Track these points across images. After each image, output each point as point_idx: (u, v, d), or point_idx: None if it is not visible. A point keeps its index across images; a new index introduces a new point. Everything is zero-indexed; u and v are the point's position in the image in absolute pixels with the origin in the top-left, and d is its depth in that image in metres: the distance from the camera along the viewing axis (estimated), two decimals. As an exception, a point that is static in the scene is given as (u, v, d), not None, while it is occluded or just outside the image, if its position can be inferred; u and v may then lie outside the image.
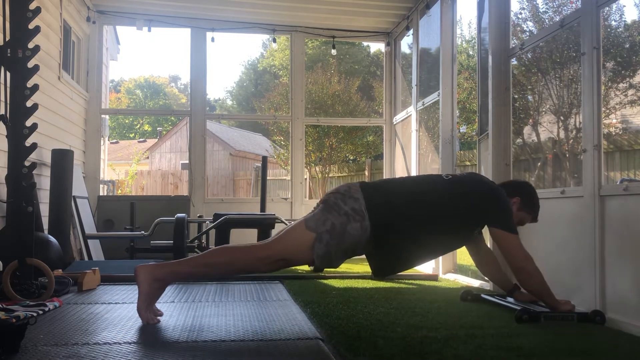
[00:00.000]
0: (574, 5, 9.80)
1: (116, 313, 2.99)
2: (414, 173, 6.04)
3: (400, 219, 2.87)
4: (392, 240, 2.87)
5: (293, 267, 5.53)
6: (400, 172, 6.80)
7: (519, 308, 2.99)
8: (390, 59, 7.21)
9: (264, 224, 5.44)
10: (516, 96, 9.36)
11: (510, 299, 3.36)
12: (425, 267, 5.51)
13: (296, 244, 2.81)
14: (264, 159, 6.26)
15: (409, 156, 6.32)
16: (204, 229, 5.59)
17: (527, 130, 10.27)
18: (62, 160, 5.23)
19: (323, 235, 2.76)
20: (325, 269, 3.02)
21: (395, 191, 2.99)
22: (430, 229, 2.93)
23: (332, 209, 2.82)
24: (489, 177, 4.14)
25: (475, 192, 3.04)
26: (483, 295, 3.56)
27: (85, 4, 6.37)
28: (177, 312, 3.09)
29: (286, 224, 5.56)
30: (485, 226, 3.12)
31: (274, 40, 7.66)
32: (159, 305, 3.21)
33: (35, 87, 3.47)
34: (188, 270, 2.84)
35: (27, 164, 3.41)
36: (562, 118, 9.66)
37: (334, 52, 7.75)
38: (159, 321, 2.77)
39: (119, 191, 13.28)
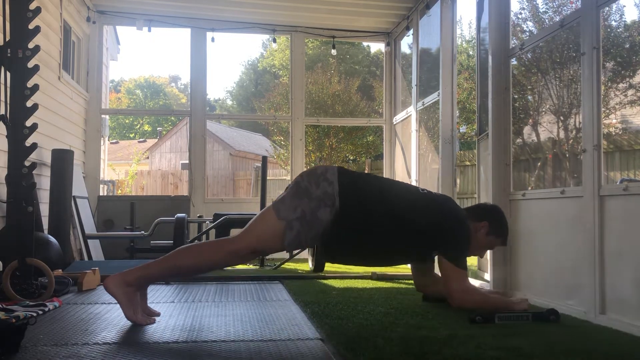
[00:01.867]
0: (574, 5, 9.80)
1: (116, 313, 2.98)
2: (414, 173, 6.04)
3: (366, 215, 2.86)
4: (349, 232, 2.85)
5: (293, 267, 5.57)
6: (400, 172, 6.80)
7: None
8: (390, 59, 7.21)
9: (264, 224, 5.43)
10: (516, 96, 9.36)
11: None
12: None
13: (267, 233, 2.79)
14: (264, 159, 6.26)
15: (409, 156, 6.32)
16: (204, 229, 5.59)
17: (527, 130, 10.27)
18: (62, 160, 5.23)
19: (293, 223, 2.74)
20: (320, 268, 3.03)
21: (371, 185, 2.99)
22: (390, 236, 2.94)
23: (302, 195, 2.80)
24: (489, 177, 4.15)
25: (440, 217, 3.02)
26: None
27: (85, 4, 6.37)
28: (176, 312, 3.09)
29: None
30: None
31: (274, 40, 7.66)
32: (158, 305, 3.22)
33: (35, 87, 3.47)
34: (158, 272, 2.80)
35: (27, 164, 3.42)
36: (562, 118, 9.66)
37: (334, 52, 7.75)
38: (154, 321, 2.77)
39: (119, 191, 13.29)
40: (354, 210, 2.84)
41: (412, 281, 4.65)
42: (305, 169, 3.08)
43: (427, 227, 2.99)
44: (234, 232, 5.45)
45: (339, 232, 2.83)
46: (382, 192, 2.99)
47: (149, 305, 3.00)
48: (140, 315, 2.73)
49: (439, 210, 3.06)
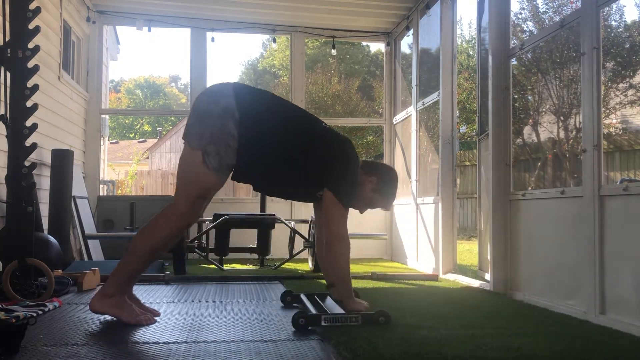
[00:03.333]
0: (574, 5, 9.80)
1: (116, 313, 2.98)
2: (414, 173, 6.04)
3: (261, 125, 2.77)
4: (251, 147, 2.76)
5: (293, 267, 5.57)
6: (400, 172, 6.80)
7: (314, 312, 2.81)
8: (390, 59, 7.21)
9: (263, 224, 5.44)
10: (516, 96, 9.36)
11: (329, 301, 3.10)
12: (426, 267, 5.52)
13: (194, 172, 2.73)
14: (264, 159, 6.24)
15: (409, 156, 6.33)
16: (203, 229, 5.59)
17: (527, 130, 10.27)
18: (62, 160, 5.23)
19: (208, 147, 2.69)
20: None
21: (267, 99, 2.90)
22: (282, 154, 2.83)
23: (205, 117, 2.74)
24: (490, 178, 4.15)
25: (332, 150, 2.91)
26: (302, 295, 3.29)
27: (85, 4, 6.37)
28: (176, 312, 3.09)
29: (286, 224, 5.58)
30: None
31: (274, 40, 7.66)
32: (158, 305, 3.22)
33: (35, 87, 3.47)
34: (130, 269, 2.77)
35: (27, 164, 3.42)
36: (562, 118, 9.66)
37: (334, 52, 7.75)
38: (155, 321, 2.77)
39: (119, 191, 13.28)
40: (252, 123, 2.75)
41: (412, 281, 4.66)
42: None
43: (318, 157, 2.87)
44: (234, 232, 5.47)
45: (244, 147, 2.74)
46: (275, 105, 2.91)
47: (147, 305, 3.00)
48: (138, 316, 2.72)
49: (333, 146, 2.93)
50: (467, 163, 11.85)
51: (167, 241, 2.82)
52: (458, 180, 7.28)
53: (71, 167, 5.31)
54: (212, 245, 5.50)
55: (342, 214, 2.90)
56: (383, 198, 3.09)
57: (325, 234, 2.93)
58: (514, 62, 4.44)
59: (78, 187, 5.83)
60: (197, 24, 6.76)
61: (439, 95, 5.36)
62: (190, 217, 2.81)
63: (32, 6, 3.50)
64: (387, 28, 7.05)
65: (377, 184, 3.04)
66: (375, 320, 2.73)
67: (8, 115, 3.42)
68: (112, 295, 2.72)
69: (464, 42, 20.89)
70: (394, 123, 7.02)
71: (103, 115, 7.07)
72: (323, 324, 2.67)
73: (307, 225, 5.60)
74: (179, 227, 2.80)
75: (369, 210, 3.16)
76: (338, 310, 2.85)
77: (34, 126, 3.46)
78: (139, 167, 18.58)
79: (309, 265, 5.53)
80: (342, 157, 2.94)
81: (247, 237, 5.88)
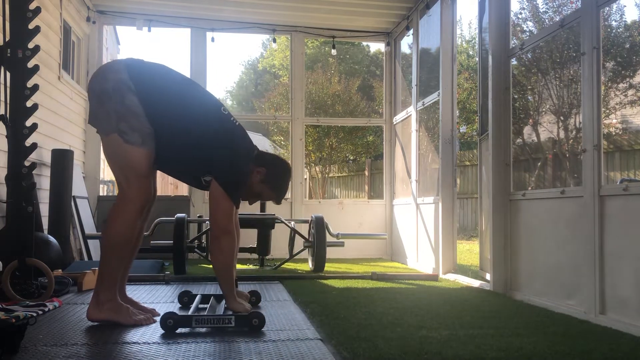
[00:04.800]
0: (574, 5, 9.79)
1: (116, 313, 2.98)
2: (414, 173, 6.04)
3: (162, 103, 2.73)
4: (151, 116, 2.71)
5: (293, 267, 5.57)
6: (400, 172, 6.80)
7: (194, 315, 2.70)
8: (390, 59, 7.21)
9: (263, 224, 5.44)
10: (516, 96, 9.36)
11: (220, 305, 3.04)
12: (426, 267, 5.52)
13: (121, 156, 2.70)
14: (264, 159, 6.24)
15: (409, 156, 6.32)
16: (203, 229, 5.59)
17: (527, 130, 10.27)
18: (62, 160, 5.23)
19: (120, 126, 2.66)
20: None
21: (164, 76, 2.83)
22: (176, 129, 2.76)
23: (102, 98, 2.69)
24: (489, 177, 4.15)
25: (223, 141, 2.81)
26: (198, 296, 3.25)
27: (85, 4, 6.37)
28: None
29: (286, 224, 5.58)
30: None
31: (274, 40, 7.66)
32: (158, 305, 3.22)
33: (35, 87, 3.47)
34: (110, 272, 2.73)
35: (27, 164, 3.42)
36: (562, 118, 9.66)
37: (334, 52, 7.74)
38: (155, 321, 2.76)
39: (119, 191, 13.26)
40: (150, 90, 2.71)
41: (412, 281, 4.66)
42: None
43: (207, 139, 2.79)
44: (234, 232, 5.46)
45: (150, 114, 2.69)
46: (171, 74, 2.86)
47: (147, 305, 3.01)
48: (136, 316, 2.72)
49: (224, 135, 2.84)
50: (467, 163, 11.85)
51: (132, 230, 2.77)
52: (458, 180, 7.29)
53: (71, 167, 5.31)
54: (212, 245, 5.50)
55: (229, 207, 2.80)
56: (272, 191, 3.01)
57: (210, 227, 2.84)
58: (514, 62, 4.44)
59: (78, 187, 5.83)
60: (197, 24, 6.75)
61: (439, 95, 5.36)
62: (142, 198, 2.75)
63: (32, 6, 3.50)
64: (387, 28, 7.05)
65: (266, 176, 2.94)
66: (249, 322, 2.61)
67: (8, 115, 3.42)
68: (106, 301, 2.70)
69: (464, 42, 20.88)
70: (394, 123, 7.02)
71: (103, 115, 7.04)
72: (194, 325, 2.59)
73: (307, 225, 5.60)
74: (135, 211, 2.74)
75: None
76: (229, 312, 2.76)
77: (34, 126, 3.46)
78: (139, 167, 18.51)
79: (309, 265, 5.53)
80: (230, 145, 2.83)
81: (247, 237, 5.87)
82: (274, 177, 2.97)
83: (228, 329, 2.61)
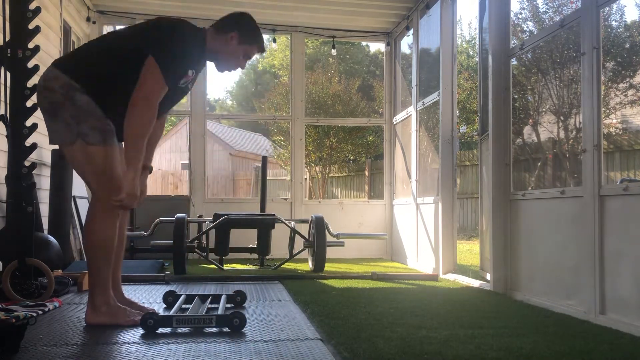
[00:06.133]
0: (574, 5, 9.80)
1: (116, 313, 2.98)
2: (414, 173, 6.04)
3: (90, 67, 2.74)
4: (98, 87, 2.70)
5: (293, 267, 5.57)
6: (400, 172, 6.81)
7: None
8: (390, 59, 7.21)
9: (263, 224, 5.44)
10: (516, 96, 9.36)
11: (209, 304, 3.06)
12: (426, 267, 5.52)
13: (89, 158, 2.68)
14: (264, 159, 6.26)
15: (409, 156, 6.32)
16: (204, 229, 5.59)
17: (527, 130, 10.27)
18: (62, 160, 5.22)
19: (81, 130, 2.65)
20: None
21: (88, 50, 2.91)
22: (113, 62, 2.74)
23: (51, 110, 2.69)
24: (489, 177, 4.15)
25: (156, 25, 2.82)
26: (182, 296, 3.22)
27: (85, 4, 6.37)
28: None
29: (286, 224, 5.58)
30: None
31: (274, 40, 7.65)
32: (158, 305, 3.22)
33: (35, 87, 3.46)
34: (101, 276, 2.70)
35: (27, 164, 3.41)
36: (562, 118, 9.66)
37: (334, 52, 7.75)
38: None
39: (119, 191, 13.24)
40: (86, 70, 2.72)
41: (412, 281, 4.66)
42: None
43: (138, 36, 2.79)
44: (234, 232, 5.47)
45: (97, 95, 2.69)
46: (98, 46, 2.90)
47: (147, 305, 3.00)
48: (135, 316, 2.72)
49: (157, 22, 2.86)
50: (467, 163, 11.85)
51: (114, 231, 2.75)
52: (458, 180, 7.29)
53: (71, 167, 5.31)
54: (212, 245, 5.50)
55: (157, 80, 2.67)
56: (253, 45, 2.98)
57: (133, 97, 2.67)
58: (514, 62, 4.44)
59: (78, 187, 5.83)
60: (197, 24, 6.72)
61: (439, 95, 5.36)
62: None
63: (32, 6, 3.50)
64: (387, 28, 7.05)
65: (241, 36, 2.91)
66: (229, 322, 2.58)
67: (8, 115, 3.42)
68: (102, 304, 2.70)
69: (464, 42, 20.88)
70: (394, 123, 7.02)
71: (103, 115, 7.04)
72: (175, 325, 2.58)
73: (307, 225, 5.60)
74: (113, 215, 2.72)
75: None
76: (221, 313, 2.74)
77: (34, 126, 3.46)
78: (139, 167, 18.51)
79: (309, 265, 5.53)
80: (168, 25, 2.83)
81: (247, 237, 5.88)
82: (247, 33, 2.95)
83: (208, 328, 2.59)
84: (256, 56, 3.47)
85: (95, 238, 2.71)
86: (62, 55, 5.65)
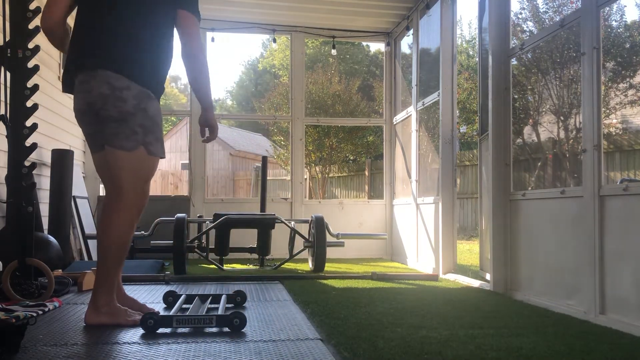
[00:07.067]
0: (574, 5, 9.79)
1: (116, 313, 2.98)
2: (414, 173, 6.04)
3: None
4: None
5: (293, 267, 5.57)
6: (400, 172, 6.80)
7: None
8: (390, 59, 7.21)
9: (263, 224, 5.44)
10: (516, 96, 9.36)
11: (209, 304, 3.06)
12: (426, 267, 5.52)
13: (142, 167, 2.70)
14: (264, 159, 6.25)
15: (409, 156, 6.32)
16: (204, 229, 5.59)
17: (527, 130, 10.27)
18: (62, 160, 5.23)
19: (147, 140, 2.67)
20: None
21: (127, 36, 2.74)
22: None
23: (120, 118, 2.63)
24: (489, 177, 4.15)
25: None
26: (182, 296, 3.23)
27: (85, 4, 6.36)
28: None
29: (286, 224, 5.58)
30: None
31: (274, 40, 7.66)
32: (158, 305, 3.22)
33: (35, 87, 3.47)
34: (109, 277, 2.70)
35: (27, 164, 3.41)
36: (562, 118, 9.66)
37: (334, 52, 7.74)
38: None
39: (119, 191, 13.24)
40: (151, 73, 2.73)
41: (412, 281, 4.66)
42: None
43: None
44: (234, 232, 5.47)
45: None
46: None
47: (147, 305, 3.00)
48: (134, 317, 2.72)
49: None
50: (467, 163, 11.85)
51: (132, 233, 2.80)
52: (458, 180, 7.29)
53: (71, 167, 5.31)
54: (212, 245, 5.50)
55: (199, 29, 2.89)
56: None
57: (189, 49, 2.81)
58: (514, 62, 4.44)
59: (78, 187, 5.83)
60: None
61: (439, 95, 5.36)
62: (143, 202, 2.80)
63: (32, 6, 3.50)
64: (387, 28, 7.05)
65: None
66: (229, 322, 2.59)
67: (8, 115, 3.42)
68: (104, 305, 2.70)
69: (464, 42, 20.89)
70: (394, 123, 7.02)
71: (103, 115, 7.04)
72: (175, 325, 2.58)
73: (307, 225, 5.60)
74: (136, 215, 2.78)
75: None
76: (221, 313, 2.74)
77: (34, 126, 3.46)
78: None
79: (309, 265, 5.53)
80: None
81: (247, 237, 5.88)
82: None
83: (208, 328, 2.60)
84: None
85: (115, 238, 2.71)
86: (61, 56, 5.64)
